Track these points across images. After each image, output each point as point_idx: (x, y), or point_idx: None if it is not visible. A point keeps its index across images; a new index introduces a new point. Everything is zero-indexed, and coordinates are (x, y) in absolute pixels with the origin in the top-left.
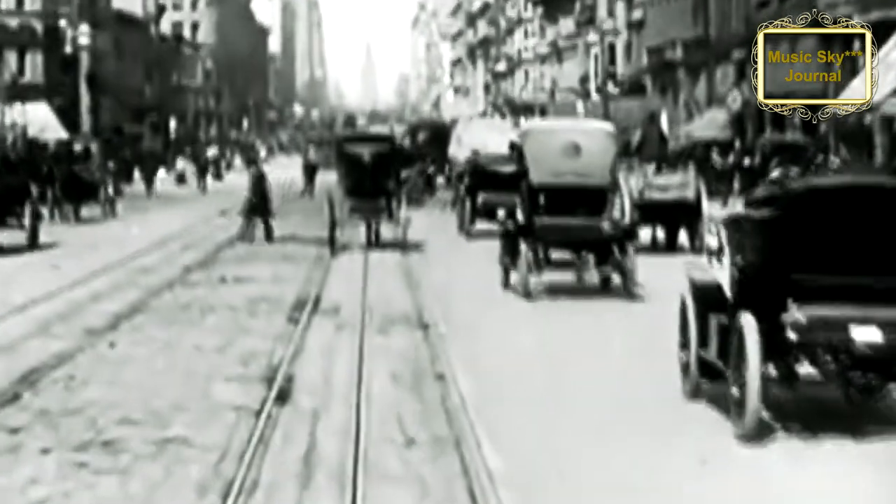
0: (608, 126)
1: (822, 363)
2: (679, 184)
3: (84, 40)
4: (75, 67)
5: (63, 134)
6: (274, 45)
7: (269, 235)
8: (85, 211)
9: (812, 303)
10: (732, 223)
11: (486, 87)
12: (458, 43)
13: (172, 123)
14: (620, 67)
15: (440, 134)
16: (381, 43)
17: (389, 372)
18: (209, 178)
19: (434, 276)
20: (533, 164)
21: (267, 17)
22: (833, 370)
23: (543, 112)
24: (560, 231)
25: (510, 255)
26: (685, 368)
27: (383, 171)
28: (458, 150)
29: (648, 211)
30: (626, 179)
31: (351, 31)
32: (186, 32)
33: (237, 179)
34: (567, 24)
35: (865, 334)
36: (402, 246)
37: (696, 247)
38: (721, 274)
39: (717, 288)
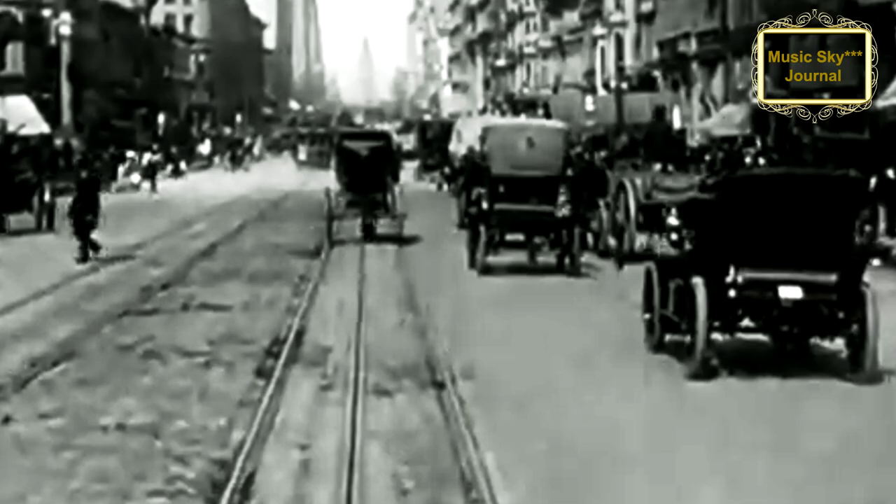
0: (560, 124)
1: (756, 316)
2: (689, 185)
3: (65, 30)
4: (58, 59)
5: (45, 128)
6: (269, 39)
7: (85, 255)
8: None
9: (749, 268)
10: (688, 205)
11: (486, 83)
12: (456, 38)
13: (161, 118)
14: (629, 61)
15: (450, 131)
16: (378, 38)
17: (393, 476)
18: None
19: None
20: (493, 158)
21: (262, 11)
22: (765, 321)
23: (547, 108)
24: (516, 216)
25: (474, 238)
26: (649, 326)
27: (380, 166)
28: (458, 147)
29: (654, 214)
30: (632, 179)
31: (348, 25)
32: (179, 25)
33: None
34: (571, 18)
35: (790, 293)
36: (399, 239)
37: None
38: (679, 247)
39: (676, 259)
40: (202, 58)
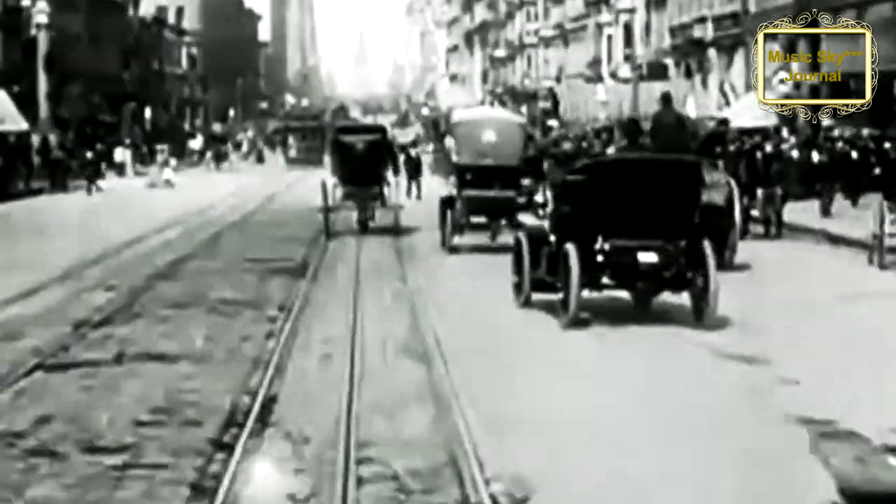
0: (520, 118)
1: (618, 276)
2: (709, 183)
3: (42, 19)
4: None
5: (23, 125)
6: (264, 32)
7: None
8: None
9: (613, 237)
10: (559, 185)
11: (484, 75)
12: (453, 29)
13: (148, 113)
14: (637, 49)
15: None
16: (375, 31)
17: None
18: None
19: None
20: (460, 148)
21: (256, 3)
22: (625, 280)
23: (554, 98)
24: (480, 201)
25: (444, 221)
26: (517, 287)
27: (376, 159)
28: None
29: None
30: None
31: (344, 18)
32: (171, 17)
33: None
34: (575, 5)
35: (646, 257)
36: (395, 231)
37: (726, 262)
38: (547, 220)
39: (544, 230)
40: (194, 51)
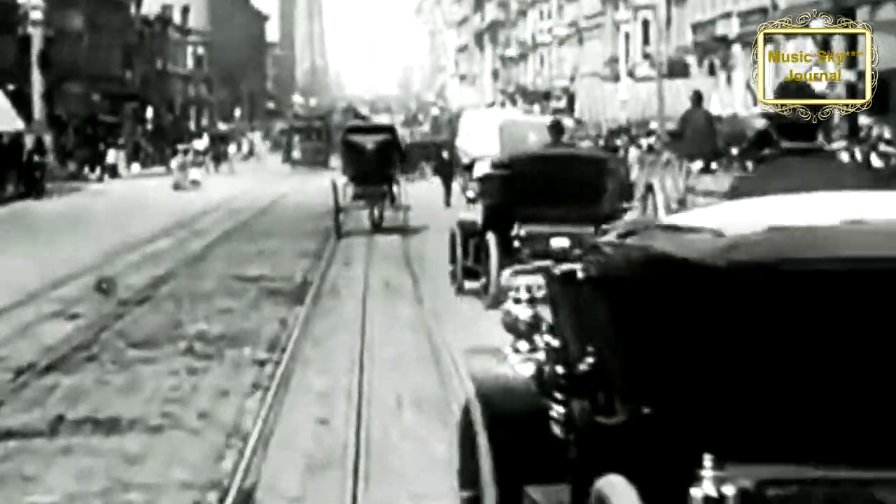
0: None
1: (533, 260)
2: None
3: (37, 15)
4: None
5: (19, 124)
6: (272, 32)
7: None
8: None
9: (529, 224)
10: (484, 179)
11: (495, 74)
12: (463, 29)
13: (149, 112)
14: (656, 46)
15: None
16: (384, 31)
17: None
18: None
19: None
20: (503, 148)
21: (264, 3)
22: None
23: (571, 99)
24: None
25: None
26: (453, 275)
27: (385, 159)
28: (466, 142)
29: None
30: (661, 180)
31: (353, 18)
32: (176, 17)
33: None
34: (591, 2)
35: (559, 242)
36: (404, 230)
37: None
38: (476, 213)
39: (475, 222)
40: (200, 50)
